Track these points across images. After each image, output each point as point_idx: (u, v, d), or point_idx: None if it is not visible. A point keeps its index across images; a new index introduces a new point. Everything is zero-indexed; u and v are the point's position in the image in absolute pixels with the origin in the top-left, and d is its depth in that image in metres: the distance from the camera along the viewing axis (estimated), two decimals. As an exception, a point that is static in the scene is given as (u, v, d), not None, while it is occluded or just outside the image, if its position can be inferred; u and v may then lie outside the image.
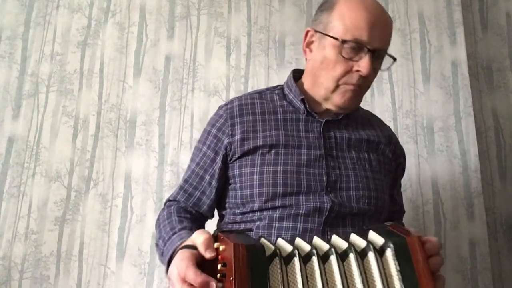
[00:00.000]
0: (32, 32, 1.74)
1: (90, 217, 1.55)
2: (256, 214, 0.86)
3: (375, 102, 1.63)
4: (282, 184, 0.84)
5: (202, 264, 0.64)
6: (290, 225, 0.83)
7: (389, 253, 0.61)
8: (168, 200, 0.99)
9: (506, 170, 1.65)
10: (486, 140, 1.68)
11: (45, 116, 1.65)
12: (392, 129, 1.08)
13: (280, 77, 1.65)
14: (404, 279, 0.59)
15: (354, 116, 0.97)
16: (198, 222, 0.94)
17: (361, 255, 0.62)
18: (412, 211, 1.52)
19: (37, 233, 1.54)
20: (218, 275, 0.59)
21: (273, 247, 0.62)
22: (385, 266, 0.61)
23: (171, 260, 0.71)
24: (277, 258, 0.60)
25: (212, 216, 0.99)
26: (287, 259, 0.61)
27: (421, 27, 1.69)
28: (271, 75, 1.67)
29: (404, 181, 1.09)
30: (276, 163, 0.86)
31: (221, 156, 0.92)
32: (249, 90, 1.65)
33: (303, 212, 0.83)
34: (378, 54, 0.86)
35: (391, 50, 0.90)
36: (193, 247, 0.66)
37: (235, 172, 0.90)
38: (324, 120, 0.91)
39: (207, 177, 0.94)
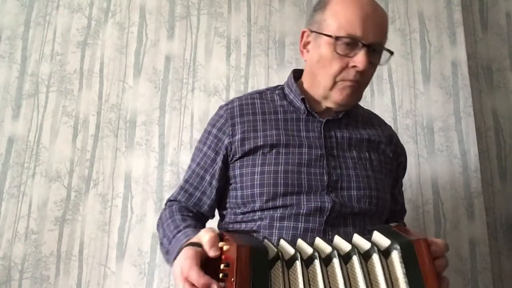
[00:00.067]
0: (32, 32, 1.74)
1: (90, 217, 1.55)
2: (257, 214, 0.86)
3: (375, 102, 1.63)
4: (283, 184, 0.84)
5: (206, 262, 0.64)
6: (291, 225, 0.83)
7: (395, 256, 0.60)
8: (169, 200, 0.99)
9: (506, 170, 1.65)
10: (486, 140, 1.68)
11: (45, 116, 1.65)
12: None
13: (280, 77, 1.65)
14: (410, 282, 0.58)
15: (354, 115, 0.97)
16: (200, 221, 0.94)
17: (365, 257, 0.61)
18: (412, 211, 1.52)
19: (37, 233, 1.54)
20: (221, 274, 0.59)
21: (275, 250, 0.61)
22: (391, 269, 0.60)
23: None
24: (279, 261, 0.60)
25: (213, 216, 1.00)
26: (289, 262, 0.61)
27: (421, 27, 1.69)
28: (271, 75, 1.67)
29: (404, 181, 1.09)
30: (277, 163, 0.86)
31: (222, 156, 0.92)
32: (249, 90, 1.65)
33: (304, 212, 0.83)
34: (374, 49, 0.86)
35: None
36: (198, 245, 0.66)
37: (236, 172, 0.90)
38: (324, 120, 0.91)
39: (208, 177, 0.94)
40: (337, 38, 0.84)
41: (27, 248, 1.52)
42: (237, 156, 0.90)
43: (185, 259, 0.64)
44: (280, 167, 0.85)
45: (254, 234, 0.84)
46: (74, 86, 1.68)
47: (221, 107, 0.98)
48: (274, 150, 0.88)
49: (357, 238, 0.66)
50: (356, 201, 0.86)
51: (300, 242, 0.66)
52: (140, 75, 1.69)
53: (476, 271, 1.46)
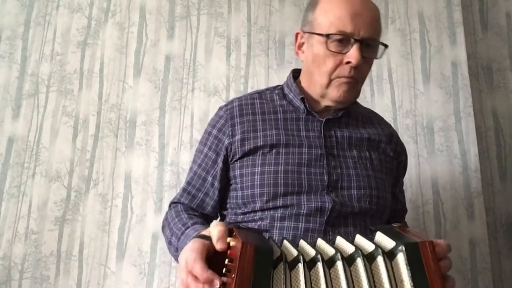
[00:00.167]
0: (32, 32, 1.74)
1: (90, 217, 1.55)
2: (257, 214, 0.86)
3: (375, 102, 1.63)
4: (283, 184, 0.84)
5: (214, 256, 0.64)
6: (292, 225, 0.83)
7: (400, 258, 0.59)
8: (172, 203, 0.99)
9: (506, 170, 1.65)
10: (486, 140, 1.68)
11: (45, 116, 1.65)
12: (392, 129, 1.08)
13: (280, 77, 1.65)
14: (416, 285, 0.57)
15: (354, 114, 0.97)
16: (205, 221, 0.94)
17: (369, 259, 0.60)
18: (412, 211, 1.52)
19: (37, 233, 1.53)
20: (224, 269, 0.59)
21: (279, 251, 0.60)
22: (395, 271, 0.59)
23: None
24: (281, 263, 0.59)
25: (216, 216, 1.00)
26: (292, 264, 0.60)
27: (421, 27, 1.69)
28: (271, 75, 1.67)
29: (404, 180, 1.09)
30: (277, 163, 0.86)
31: (222, 157, 0.92)
32: (249, 90, 1.65)
33: (305, 212, 0.83)
34: (368, 44, 0.86)
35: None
36: (207, 238, 0.66)
37: (236, 173, 0.90)
38: (324, 119, 0.91)
39: (209, 178, 0.94)
40: (328, 36, 0.85)
41: (27, 248, 1.52)
42: (237, 156, 0.90)
43: (191, 251, 0.64)
44: (280, 167, 0.85)
45: (265, 234, 0.83)
46: (74, 86, 1.68)
47: (220, 108, 0.98)
48: (274, 150, 0.88)
49: (359, 239, 0.65)
50: (357, 201, 0.86)
51: (303, 243, 0.65)
52: (140, 75, 1.69)
53: (476, 271, 1.46)
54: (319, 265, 0.59)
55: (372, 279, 0.59)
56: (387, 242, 0.62)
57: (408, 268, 0.58)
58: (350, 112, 0.95)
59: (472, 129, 1.57)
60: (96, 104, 1.66)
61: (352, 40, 0.84)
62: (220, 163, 0.92)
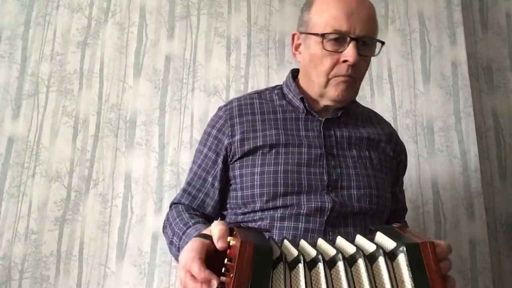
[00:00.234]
0: (32, 32, 1.74)
1: (90, 217, 1.55)
2: (257, 214, 0.86)
3: (375, 102, 1.63)
4: (283, 184, 0.84)
5: (215, 255, 0.63)
6: (292, 225, 0.83)
7: (401, 259, 0.59)
8: (173, 203, 0.99)
9: (506, 170, 1.65)
10: (486, 140, 1.68)
11: (45, 116, 1.65)
12: (392, 129, 1.08)
13: (280, 77, 1.65)
14: (416, 286, 0.57)
15: (354, 114, 0.97)
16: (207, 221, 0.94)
17: (370, 259, 0.60)
18: (412, 211, 1.52)
19: (37, 233, 1.53)
20: (223, 269, 0.59)
21: (279, 251, 0.60)
22: (396, 272, 0.59)
23: None
24: (281, 263, 0.59)
25: (217, 217, 0.99)
26: (292, 264, 0.60)
27: (421, 27, 1.69)
28: (271, 75, 1.67)
29: (404, 180, 1.09)
30: (277, 163, 0.86)
31: (222, 157, 0.92)
32: (249, 90, 1.65)
33: (305, 212, 0.83)
34: (364, 42, 0.86)
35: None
36: (208, 237, 0.66)
37: (236, 173, 0.90)
38: (323, 119, 0.91)
39: (210, 179, 0.94)
40: (324, 35, 0.85)
41: (27, 248, 1.52)
42: (237, 156, 0.90)
43: (190, 251, 0.64)
44: (279, 167, 0.85)
45: (265, 234, 0.83)
46: (74, 86, 1.68)
47: (220, 108, 0.98)
48: (273, 150, 0.88)
49: (360, 239, 0.65)
50: (356, 201, 0.86)
51: (303, 243, 0.65)
52: (140, 75, 1.69)
53: (476, 271, 1.46)
54: (320, 265, 0.59)
55: (373, 280, 0.58)
56: (388, 243, 0.62)
57: (409, 268, 0.58)
58: (350, 112, 0.95)
59: (472, 129, 1.57)
60: (96, 104, 1.66)
61: (348, 39, 0.84)
62: (220, 164, 0.92)
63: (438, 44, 1.66)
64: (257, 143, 0.89)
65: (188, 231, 0.82)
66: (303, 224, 0.82)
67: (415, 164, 1.56)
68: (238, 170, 0.89)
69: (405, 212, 1.08)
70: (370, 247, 0.62)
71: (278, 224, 0.83)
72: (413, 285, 0.57)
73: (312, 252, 0.61)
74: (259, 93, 0.99)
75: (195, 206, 0.95)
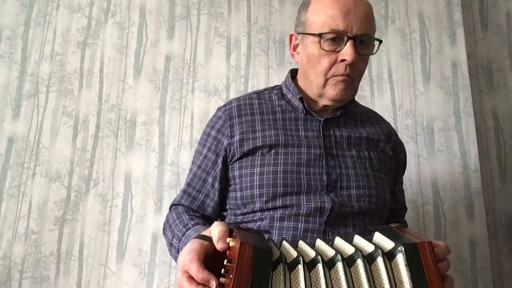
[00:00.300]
0: (32, 32, 1.74)
1: (90, 217, 1.55)
2: (257, 215, 0.86)
3: (375, 102, 1.63)
4: (282, 184, 0.84)
5: (214, 255, 0.63)
6: (291, 225, 0.83)
7: (400, 259, 0.59)
8: (173, 205, 0.99)
9: (506, 170, 1.65)
10: (486, 140, 1.68)
11: (45, 116, 1.65)
12: (392, 129, 1.08)
13: (280, 77, 1.65)
14: (415, 285, 0.57)
15: (353, 113, 0.97)
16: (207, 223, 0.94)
17: (369, 260, 0.60)
18: (412, 211, 1.52)
19: (37, 233, 1.54)
20: (223, 270, 0.59)
21: (278, 252, 0.60)
22: (395, 272, 0.59)
23: None
24: (281, 264, 0.59)
25: (217, 217, 0.99)
26: (292, 265, 0.59)
27: (421, 27, 1.69)
28: (271, 75, 1.67)
29: (404, 180, 1.09)
30: (276, 163, 0.86)
31: (222, 158, 0.92)
32: (249, 90, 1.65)
33: (304, 212, 0.83)
34: (362, 41, 0.86)
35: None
36: (207, 238, 0.66)
37: (235, 173, 0.90)
38: (323, 119, 0.91)
39: (210, 180, 0.94)
40: (321, 35, 0.84)
41: (27, 248, 1.52)
42: (236, 157, 0.90)
43: (188, 252, 0.64)
44: (279, 167, 0.85)
45: (264, 234, 0.83)
46: (74, 86, 1.68)
47: (219, 108, 0.98)
48: (273, 151, 0.87)
49: (358, 240, 0.65)
50: (356, 200, 0.86)
51: (302, 244, 0.65)
52: (140, 75, 1.69)
53: (476, 271, 1.46)
54: (319, 266, 0.59)
55: (372, 280, 0.59)
56: (386, 243, 0.62)
57: (408, 268, 0.58)
58: (349, 111, 0.95)
59: (472, 129, 1.57)
60: (96, 104, 1.66)
61: (346, 38, 0.84)
62: (219, 164, 0.92)
63: (438, 44, 1.66)
64: (256, 144, 0.89)
65: (187, 232, 0.82)
66: (302, 224, 0.82)
67: (415, 164, 1.56)
68: (237, 171, 0.89)
69: (405, 212, 1.08)
70: (368, 247, 0.62)
71: (277, 225, 0.83)
72: (411, 285, 0.58)
73: (311, 253, 0.61)
74: (258, 93, 0.99)
75: (195, 207, 0.95)
